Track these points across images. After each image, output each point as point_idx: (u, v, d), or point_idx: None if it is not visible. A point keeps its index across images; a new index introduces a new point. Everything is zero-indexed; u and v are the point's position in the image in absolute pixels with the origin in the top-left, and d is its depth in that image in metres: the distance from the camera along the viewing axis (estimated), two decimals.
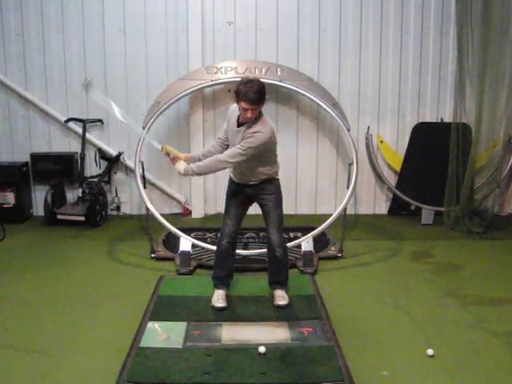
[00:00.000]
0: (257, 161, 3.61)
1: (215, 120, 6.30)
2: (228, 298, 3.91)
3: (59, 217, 5.94)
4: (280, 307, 3.82)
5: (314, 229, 4.99)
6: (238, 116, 3.59)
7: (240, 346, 3.27)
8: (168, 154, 3.82)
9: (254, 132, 3.49)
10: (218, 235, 4.07)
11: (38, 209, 6.33)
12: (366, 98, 6.31)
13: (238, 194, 3.83)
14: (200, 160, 3.74)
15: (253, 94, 3.39)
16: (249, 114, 3.47)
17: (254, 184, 3.74)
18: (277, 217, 3.80)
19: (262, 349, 3.18)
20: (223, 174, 6.19)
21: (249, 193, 3.79)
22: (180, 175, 3.83)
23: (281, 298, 3.87)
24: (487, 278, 4.53)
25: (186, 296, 4.06)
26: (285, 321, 3.64)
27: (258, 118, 3.53)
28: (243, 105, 3.44)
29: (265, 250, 4.45)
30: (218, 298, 3.84)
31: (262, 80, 3.57)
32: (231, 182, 3.88)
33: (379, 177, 6.42)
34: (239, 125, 3.58)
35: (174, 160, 3.79)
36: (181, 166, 3.72)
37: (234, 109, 3.67)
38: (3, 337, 3.45)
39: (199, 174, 3.74)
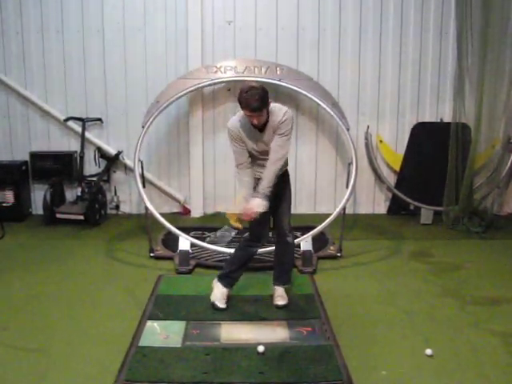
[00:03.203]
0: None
1: (215, 119, 6.30)
2: (227, 297, 3.90)
3: (58, 216, 5.93)
4: (279, 307, 3.81)
5: (313, 228, 4.99)
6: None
7: (239, 346, 3.27)
8: (239, 219, 3.61)
9: (282, 116, 3.47)
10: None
11: (37, 207, 6.32)
12: (365, 97, 6.30)
13: None
14: (255, 187, 3.53)
15: (254, 103, 3.33)
16: (255, 121, 3.44)
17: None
18: (288, 206, 3.79)
19: (260, 348, 3.18)
20: (222, 174, 6.29)
21: None
22: (264, 209, 3.47)
23: (280, 297, 3.87)
24: (486, 277, 4.53)
25: (185, 295, 4.05)
26: (284, 320, 3.64)
27: (270, 109, 3.48)
28: (247, 113, 3.41)
29: (265, 249, 4.47)
30: (222, 298, 3.81)
31: (262, 84, 3.50)
32: (257, 181, 3.61)
33: (378, 176, 6.42)
34: (261, 128, 3.51)
35: (246, 211, 3.48)
36: (255, 203, 3.44)
37: (236, 124, 3.54)
38: (2, 335, 3.45)
39: (271, 187, 3.50)
